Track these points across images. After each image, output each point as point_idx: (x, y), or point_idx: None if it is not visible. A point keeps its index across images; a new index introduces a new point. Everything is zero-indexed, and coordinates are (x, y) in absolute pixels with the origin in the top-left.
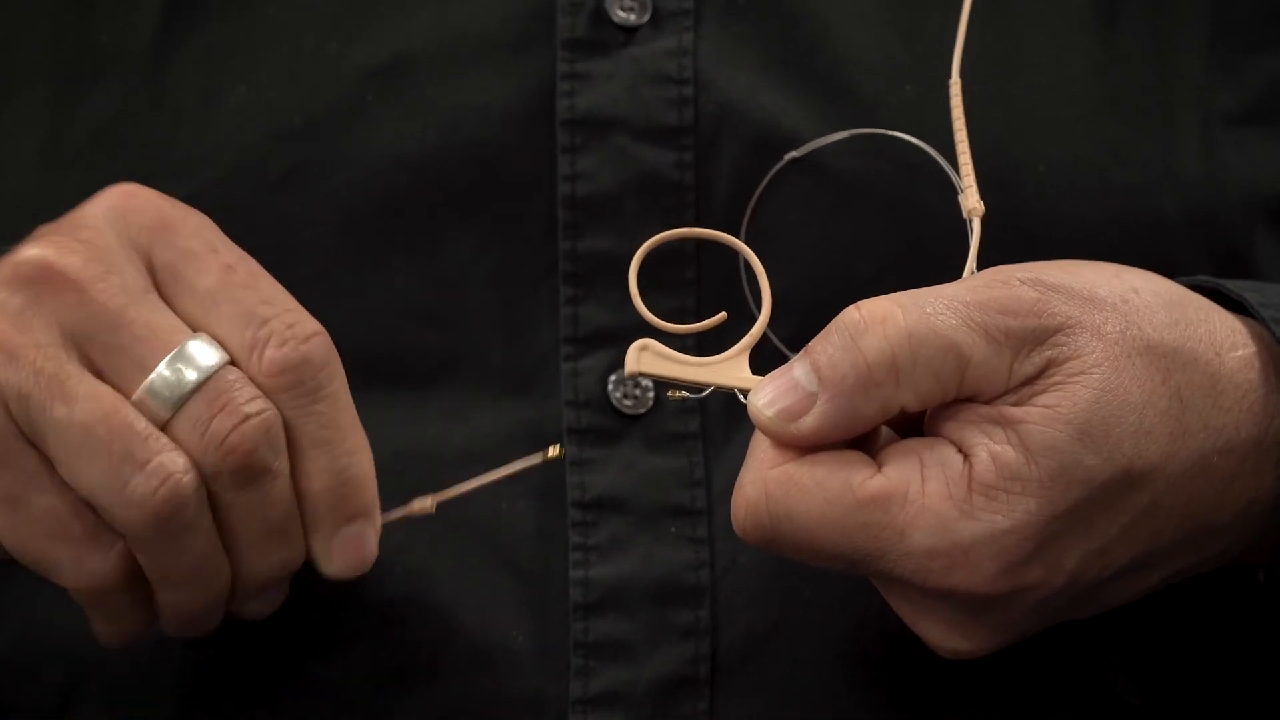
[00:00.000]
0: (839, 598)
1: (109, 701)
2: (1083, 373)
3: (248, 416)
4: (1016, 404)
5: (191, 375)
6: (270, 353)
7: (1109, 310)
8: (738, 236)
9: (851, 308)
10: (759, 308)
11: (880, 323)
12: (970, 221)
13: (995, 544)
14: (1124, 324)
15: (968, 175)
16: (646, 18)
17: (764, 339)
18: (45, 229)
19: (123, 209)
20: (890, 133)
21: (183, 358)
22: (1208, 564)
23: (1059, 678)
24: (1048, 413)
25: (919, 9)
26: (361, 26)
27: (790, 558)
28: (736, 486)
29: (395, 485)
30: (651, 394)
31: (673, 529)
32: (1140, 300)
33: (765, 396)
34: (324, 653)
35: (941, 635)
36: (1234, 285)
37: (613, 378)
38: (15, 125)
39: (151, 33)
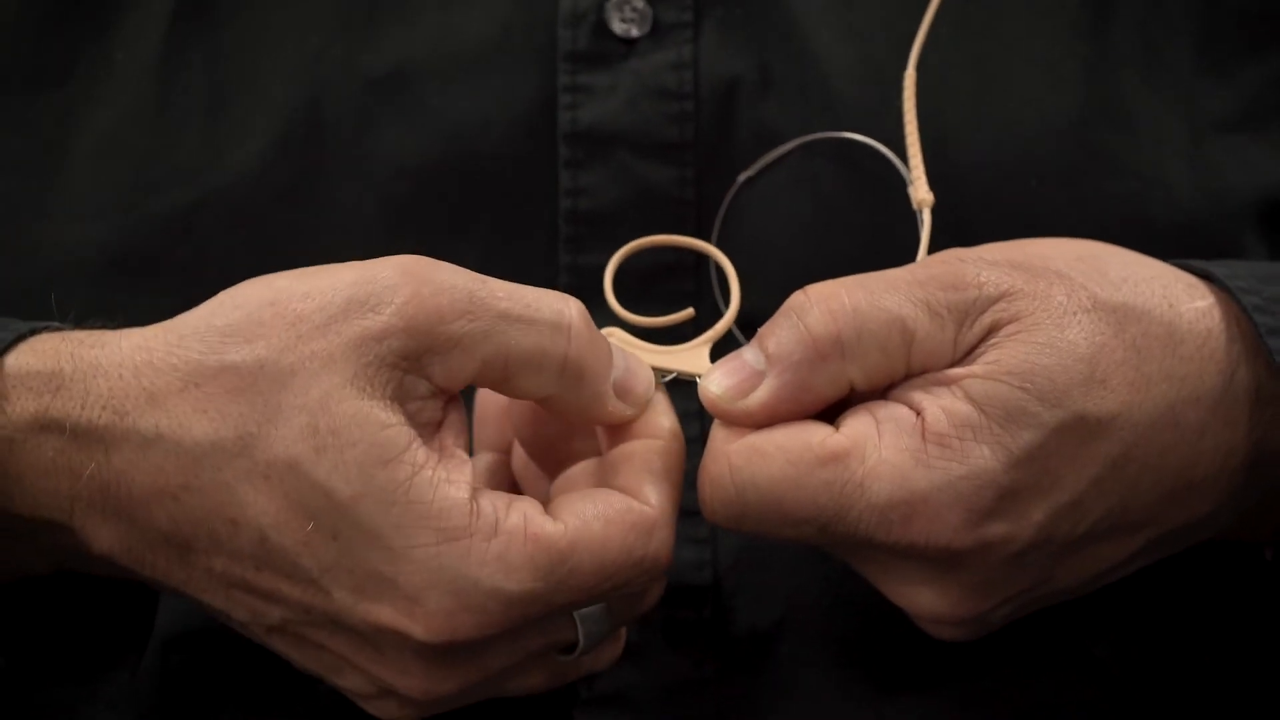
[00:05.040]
0: (843, 596)
1: (116, 708)
2: (1023, 331)
3: None
4: (962, 366)
5: None
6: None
7: (1052, 276)
8: (714, 250)
9: (798, 292)
10: (726, 306)
11: (825, 300)
12: (920, 212)
13: (953, 490)
14: (1068, 287)
15: (917, 167)
16: (647, 30)
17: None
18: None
19: None
20: (841, 135)
21: None
22: (1199, 529)
23: (1053, 659)
24: (990, 367)
25: (911, 22)
26: (365, 35)
27: (759, 533)
28: (700, 469)
29: None
30: None
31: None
32: (1085, 265)
33: (714, 377)
34: None
35: (917, 597)
36: (1198, 263)
37: None
38: (22, 129)
39: (158, 39)
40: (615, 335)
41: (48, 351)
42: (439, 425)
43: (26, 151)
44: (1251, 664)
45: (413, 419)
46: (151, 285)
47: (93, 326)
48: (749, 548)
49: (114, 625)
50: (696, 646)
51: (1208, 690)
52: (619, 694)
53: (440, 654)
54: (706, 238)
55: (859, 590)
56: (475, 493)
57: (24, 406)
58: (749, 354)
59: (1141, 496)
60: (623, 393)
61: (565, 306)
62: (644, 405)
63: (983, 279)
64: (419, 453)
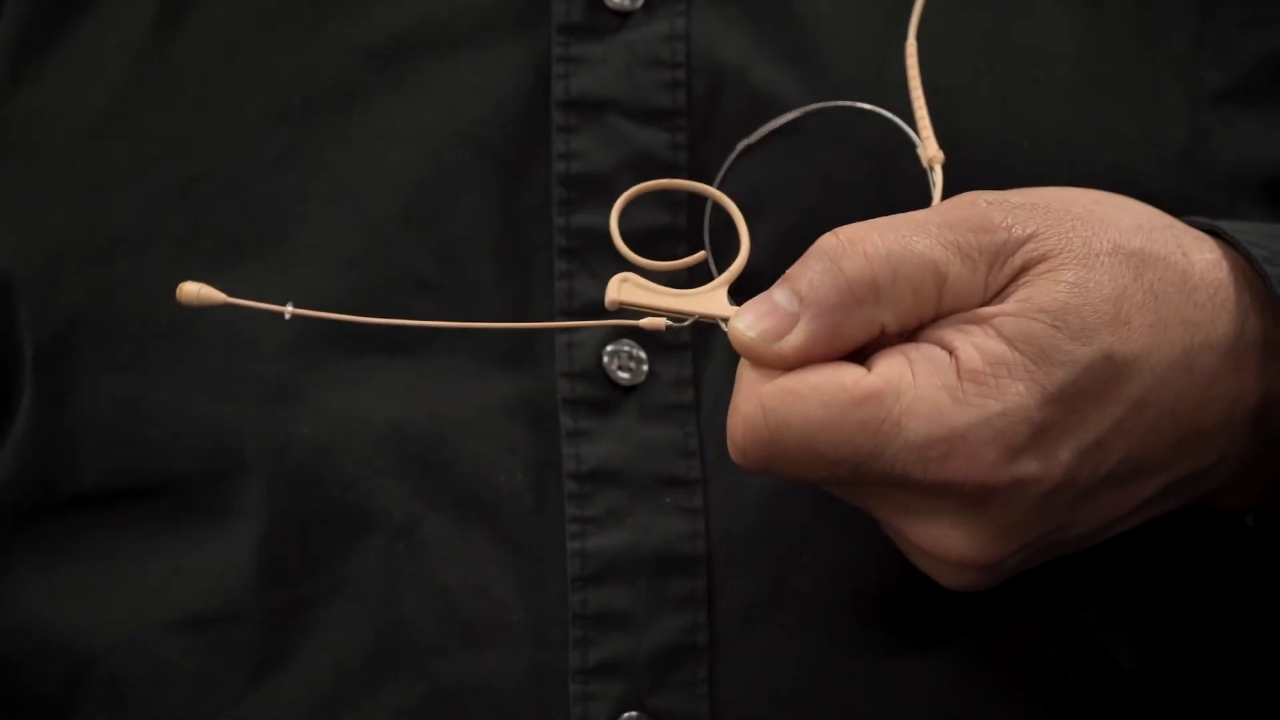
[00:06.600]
0: (836, 565)
1: (112, 696)
2: (1052, 270)
3: None
4: (992, 305)
5: None
6: None
7: (1074, 219)
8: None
9: (829, 234)
10: (738, 249)
11: (859, 243)
12: (931, 169)
13: (990, 427)
14: (1090, 230)
15: (925, 128)
16: (640, 3)
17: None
18: None
19: None
20: (844, 104)
21: None
22: (1202, 481)
23: (1057, 643)
24: (1022, 305)
25: None
26: (360, 6)
27: (791, 474)
28: (731, 411)
29: (394, 456)
30: (646, 366)
31: (668, 499)
32: (1102, 210)
33: (746, 319)
34: (321, 632)
35: (945, 540)
36: (1202, 220)
37: (608, 349)
38: (12, 115)
39: (149, 17)
40: (631, 279)
41: None
42: None
43: (18, 136)
44: (1232, 626)
45: None
46: (151, 258)
47: None
48: (742, 517)
49: None
50: (690, 615)
51: (1192, 658)
52: (613, 663)
53: None
54: (698, 203)
55: (853, 558)
56: None
57: None
58: (780, 296)
59: (1158, 440)
60: None
61: None
62: None
63: (1010, 221)
64: None
